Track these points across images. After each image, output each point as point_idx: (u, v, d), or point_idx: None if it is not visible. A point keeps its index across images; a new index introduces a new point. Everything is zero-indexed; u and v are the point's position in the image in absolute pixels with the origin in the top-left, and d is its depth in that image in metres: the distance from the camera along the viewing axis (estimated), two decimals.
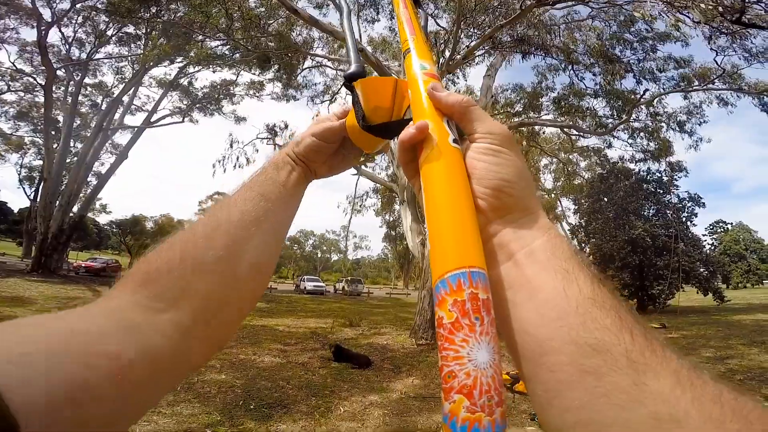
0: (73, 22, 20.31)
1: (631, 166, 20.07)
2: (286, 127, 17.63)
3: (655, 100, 14.22)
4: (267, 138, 17.06)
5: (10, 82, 25.10)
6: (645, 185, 19.89)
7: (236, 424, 4.56)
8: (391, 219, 38.44)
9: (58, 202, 19.62)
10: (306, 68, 16.84)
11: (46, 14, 18.87)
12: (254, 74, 18.25)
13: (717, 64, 11.95)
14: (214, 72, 19.67)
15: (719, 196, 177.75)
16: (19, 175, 34.98)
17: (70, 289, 14.57)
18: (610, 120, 15.69)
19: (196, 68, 19.03)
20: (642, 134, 16.17)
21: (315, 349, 8.96)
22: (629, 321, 0.32)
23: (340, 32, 11.38)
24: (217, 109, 22.49)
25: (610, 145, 19.88)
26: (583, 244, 22.53)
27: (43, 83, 19.77)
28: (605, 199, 20.62)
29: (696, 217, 19.40)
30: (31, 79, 23.37)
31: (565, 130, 18.49)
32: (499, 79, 22.36)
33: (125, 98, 22.50)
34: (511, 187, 0.41)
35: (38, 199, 23.53)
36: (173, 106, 23.87)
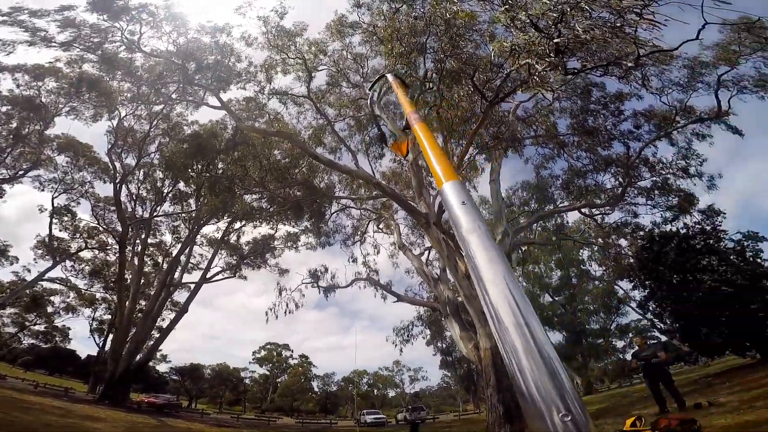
0: (135, 178, 23.40)
1: (668, 227, 19.84)
2: (326, 270, 18.93)
3: (650, 155, 15.18)
4: (311, 282, 18.25)
5: (87, 239, 28.07)
6: (691, 241, 19.14)
7: None
8: (444, 345, 36.85)
9: (126, 348, 21.16)
10: (334, 212, 19.18)
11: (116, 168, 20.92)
12: (290, 225, 20.53)
13: (666, 104, 13.32)
14: (255, 227, 22.22)
15: None
16: (90, 326, 40.20)
17: (135, 417, 15.91)
18: (619, 189, 16.42)
19: (241, 223, 21.55)
20: (655, 192, 16.62)
21: None
22: None
23: (354, 171, 13.65)
24: (263, 262, 24.68)
25: (635, 215, 20.07)
26: (661, 316, 20.61)
27: (117, 239, 22.17)
28: (659, 267, 19.67)
29: (762, 252, 17.90)
30: (104, 237, 26.50)
31: (583, 210, 19.10)
32: (508, 181, 24.15)
33: (182, 258, 24.97)
34: None
35: (107, 345, 26.56)
36: (224, 263, 26.28)
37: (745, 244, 18.01)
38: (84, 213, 64.30)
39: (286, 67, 14.85)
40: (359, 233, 20.97)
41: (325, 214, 18.71)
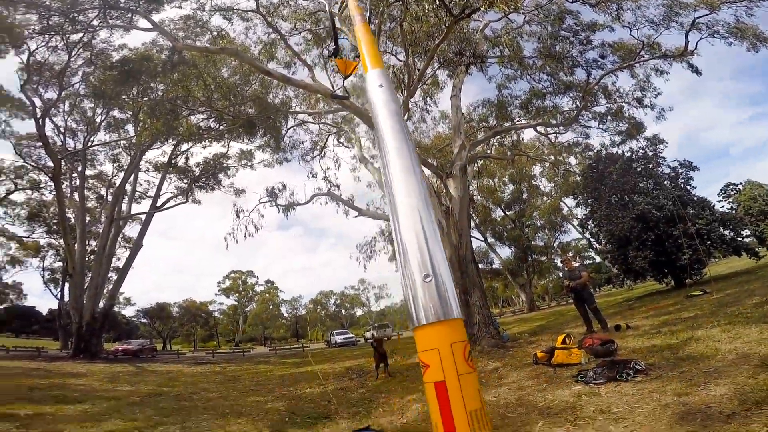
0: (61, 110, 20.98)
1: (615, 150, 20.94)
2: (284, 187, 18.24)
3: (610, 84, 15.26)
4: (269, 201, 17.74)
5: (16, 180, 25.39)
6: (633, 164, 20.31)
7: None
8: None
9: (86, 295, 20.29)
10: (290, 128, 18.15)
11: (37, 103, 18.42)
12: (243, 143, 19.37)
13: (635, 38, 13.22)
14: (204, 147, 20.83)
15: (722, 163, 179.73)
16: (43, 278, 37.02)
17: (114, 367, 15.69)
18: (575, 112, 16.68)
19: (189, 145, 19.98)
20: (609, 117, 17.06)
21: (353, 378, 9.23)
22: None
23: (311, 85, 12.68)
24: (216, 183, 23.42)
25: (587, 136, 20.76)
26: (597, 236, 22.47)
27: (50, 175, 20.09)
28: (602, 186, 20.89)
29: (693, 180, 19.50)
30: (35, 176, 24.32)
31: (539, 129, 19.39)
32: (470, 98, 23.57)
33: (128, 187, 23.11)
34: None
35: (67, 295, 25.02)
36: (175, 188, 24.50)
37: (679, 171, 19.48)
38: (6, 153, 57.00)
39: None
40: (318, 148, 20.17)
41: (281, 129, 17.56)
